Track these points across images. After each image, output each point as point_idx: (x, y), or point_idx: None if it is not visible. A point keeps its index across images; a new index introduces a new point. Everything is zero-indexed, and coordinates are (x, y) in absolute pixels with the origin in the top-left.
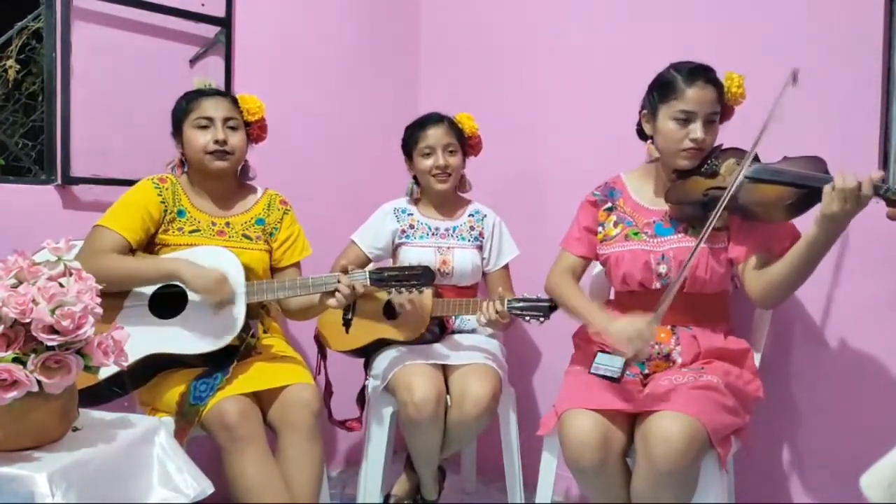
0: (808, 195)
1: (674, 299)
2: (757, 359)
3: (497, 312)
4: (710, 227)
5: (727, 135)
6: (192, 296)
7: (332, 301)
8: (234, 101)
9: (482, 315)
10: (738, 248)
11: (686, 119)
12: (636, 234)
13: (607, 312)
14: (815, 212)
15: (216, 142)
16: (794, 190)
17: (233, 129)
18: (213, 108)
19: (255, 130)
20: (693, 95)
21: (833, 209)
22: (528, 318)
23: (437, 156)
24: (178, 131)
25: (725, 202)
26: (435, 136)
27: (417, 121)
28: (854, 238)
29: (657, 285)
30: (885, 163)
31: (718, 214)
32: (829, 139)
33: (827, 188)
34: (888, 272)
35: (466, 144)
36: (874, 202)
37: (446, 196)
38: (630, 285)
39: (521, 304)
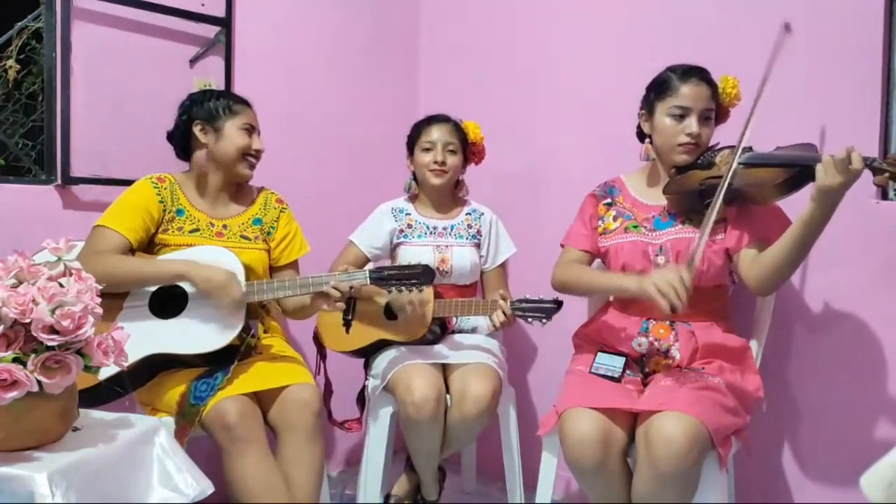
0: (798, 174)
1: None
2: (758, 358)
3: (505, 316)
4: (715, 209)
5: (725, 134)
6: (192, 295)
7: (324, 305)
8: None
9: (491, 324)
10: (735, 238)
11: (682, 115)
12: (635, 226)
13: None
14: (807, 199)
15: (256, 150)
16: (786, 169)
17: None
18: (255, 117)
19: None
20: (688, 92)
21: (827, 182)
22: (530, 319)
23: (437, 151)
24: (210, 124)
25: (725, 186)
26: (438, 132)
27: (425, 118)
28: (854, 238)
29: None
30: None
31: (720, 200)
32: (828, 139)
33: (820, 164)
34: (891, 273)
35: (469, 150)
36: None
37: (442, 194)
38: None
39: (524, 305)
